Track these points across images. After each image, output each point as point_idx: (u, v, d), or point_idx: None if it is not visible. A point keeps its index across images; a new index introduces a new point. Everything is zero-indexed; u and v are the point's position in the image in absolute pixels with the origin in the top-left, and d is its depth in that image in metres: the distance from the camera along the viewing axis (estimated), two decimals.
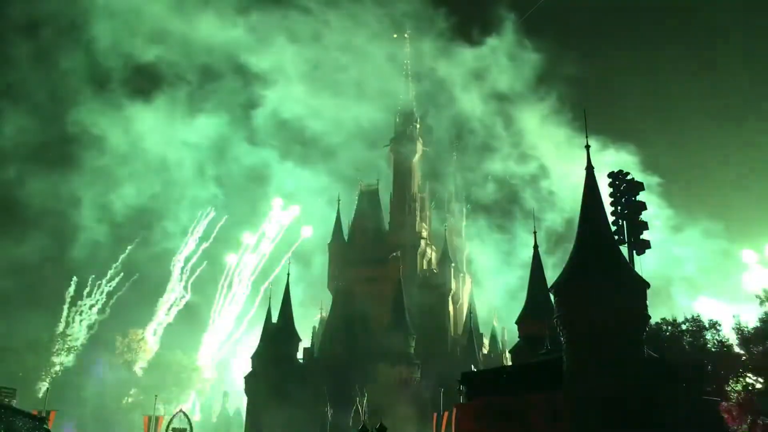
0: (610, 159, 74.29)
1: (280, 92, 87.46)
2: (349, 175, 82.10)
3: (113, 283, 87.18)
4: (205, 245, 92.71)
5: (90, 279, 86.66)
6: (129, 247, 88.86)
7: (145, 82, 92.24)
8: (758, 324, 31.72)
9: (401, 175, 76.55)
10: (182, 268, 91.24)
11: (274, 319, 65.98)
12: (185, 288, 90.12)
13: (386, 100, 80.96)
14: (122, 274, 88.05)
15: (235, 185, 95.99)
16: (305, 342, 66.73)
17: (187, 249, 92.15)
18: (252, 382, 64.43)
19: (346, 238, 74.93)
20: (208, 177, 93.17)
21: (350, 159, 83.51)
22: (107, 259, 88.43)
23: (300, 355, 65.22)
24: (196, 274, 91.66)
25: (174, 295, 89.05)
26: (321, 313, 72.54)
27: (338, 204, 77.86)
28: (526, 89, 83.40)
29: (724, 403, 30.20)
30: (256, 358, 65.50)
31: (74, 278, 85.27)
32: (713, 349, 33.79)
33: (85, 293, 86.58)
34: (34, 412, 39.55)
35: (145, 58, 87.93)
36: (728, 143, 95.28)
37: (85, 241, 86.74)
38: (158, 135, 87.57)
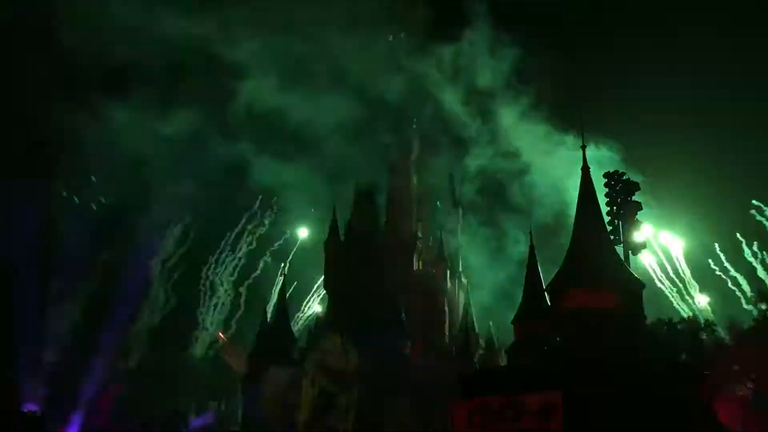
0: (591, 154, 74.79)
1: (255, 84, 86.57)
2: (331, 169, 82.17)
3: (92, 286, 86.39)
4: (182, 248, 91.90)
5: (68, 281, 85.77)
6: (106, 250, 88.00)
7: (116, 80, 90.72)
8: (753, 324, 31.81)
9: (397, 174, 76.37)
10: (161, 270, 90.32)
11: (269, 319, 65.99)
12: (166, 291, 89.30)
13: (367, 93, 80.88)
14: (100, 276, 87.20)
15: (214, 181, 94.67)
16: (302, 342, 66.66)
17: (166, 250, 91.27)
18: (248, 382, 64.44)
19: (342, 237, 74.74)
20: (186, 173, 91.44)
21: (333, 154, 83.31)
22: (84, 260, 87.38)
23: (296, 355, 65.12)
24: (176, 276, 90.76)
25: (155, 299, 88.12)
26: (317, 313, 72.51)
27: (334, 204, 77.47)
28: (505, 84, 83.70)
29: (720, 404, 30.21)
30: (251, 358, 65.44)
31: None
32: (709, 350, 33.84)
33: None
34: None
35: (115, 57, 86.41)
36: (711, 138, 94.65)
37: (60, 243, 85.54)
38: (133, 132, 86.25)
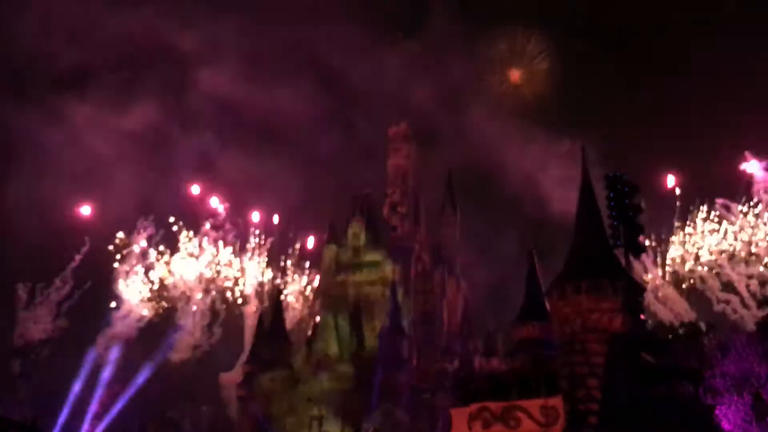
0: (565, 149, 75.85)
1: (215, 72, 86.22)
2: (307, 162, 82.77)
3: (62, 291, 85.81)
4: (148, 248, 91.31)
5: (37, 287, 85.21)
6: (76, 255, 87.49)
7: (72, 78, 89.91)
8: (755, 327, 31.61)
9: (395, 177, 76.20)
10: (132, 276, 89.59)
11: (266, 324, 65.78)
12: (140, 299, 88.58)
13: (335, 85, 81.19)
14: (71, 281, 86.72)
15: (177, 176, 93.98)
16: (298, 346, 66.41)
17: (134, 253, 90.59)
18: (244, 386, 64.15)
19: (340, 241, 74.56)
20: (149, 168, 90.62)
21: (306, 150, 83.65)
22: (52, 265, 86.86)
23: (294, 360, 64.86)
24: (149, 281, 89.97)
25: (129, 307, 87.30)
26: (314, 317, 72.22)
27: (332, 207, 77.35)
28: (477, 80, 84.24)
29: (720, 408, 29.97)
30: (249, 363, 65.18)
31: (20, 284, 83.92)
32: (710, 354, 33.57)
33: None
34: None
35: (69, 56, 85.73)
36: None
37: (26, 247, 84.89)
38: (94, 129, 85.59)
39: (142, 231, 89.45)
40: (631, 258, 37.75)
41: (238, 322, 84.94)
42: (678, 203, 77.86)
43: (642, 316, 31.53)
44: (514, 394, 32.37)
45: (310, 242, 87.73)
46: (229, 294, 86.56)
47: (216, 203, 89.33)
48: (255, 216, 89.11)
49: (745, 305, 70.24)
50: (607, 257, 32.42)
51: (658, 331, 38.03)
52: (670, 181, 78.29)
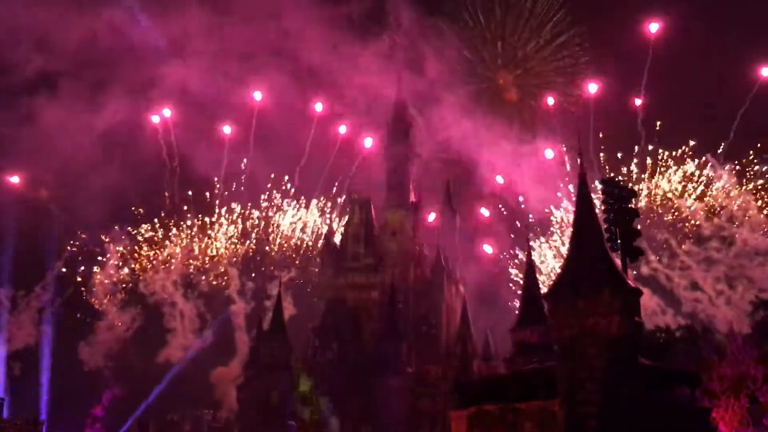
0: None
1: (183, 68, 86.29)
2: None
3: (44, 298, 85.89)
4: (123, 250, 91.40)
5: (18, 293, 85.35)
6: (56, 262, 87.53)
7: (43, 83, 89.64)
8: (751, 330, 31.84)
9: (393, 180, 76.28)
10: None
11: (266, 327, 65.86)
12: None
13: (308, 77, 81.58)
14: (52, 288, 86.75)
15: (150, 174, 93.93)
16: (298, 350, 66.45)
17: (113, 256, 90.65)
18: (244, 391, 64.29)
19: (338, 244, 74.72)
20: (125, 168, 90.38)
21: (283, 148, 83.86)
22: (33, 271, 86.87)
23: (292, 363, 64.93)
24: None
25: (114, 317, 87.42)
26: (313, 321, 72.25)
27: (330, 211, 77.71)
28: (449, 77, 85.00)
29: (717, 411, 30.17)
30: (248, 367, 65.33)
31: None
32: (707, 356, 33.81)
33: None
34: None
35: (36, 62, 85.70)
36: None
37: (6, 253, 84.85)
38: (65, 131, 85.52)
39: (116, 237, 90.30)
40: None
41: (228, 323, 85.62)
42: None
43: (639, 320, 31.67)
44: (512, 398, 32.54)
45: None
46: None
47: None
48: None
49: None
50: (604, 261, 32.60)
51: (655, 334, 38.19)
52: None
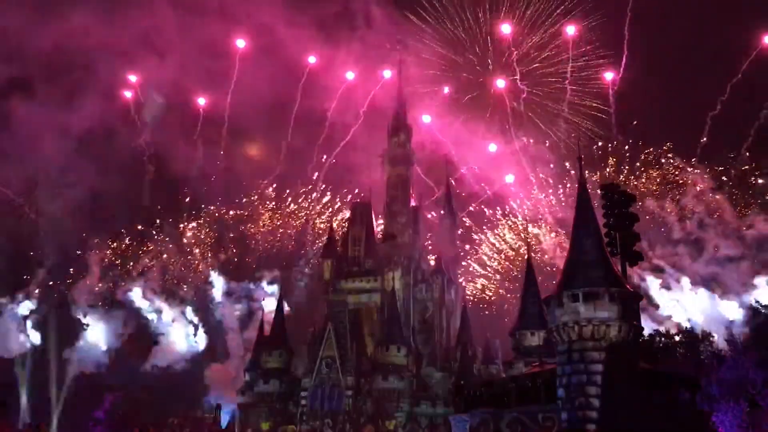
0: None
1: (152, 70, 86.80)
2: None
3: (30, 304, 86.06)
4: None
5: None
6: (40, 270, 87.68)
7: (15, 91, 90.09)
8: (751, 334, 31.90)
9: (394, 185, 76.38)
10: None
11: (267, 331, 66.01)
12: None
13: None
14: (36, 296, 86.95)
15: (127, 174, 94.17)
16: (299, 354, 66.52)
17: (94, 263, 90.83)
18: (246, 394, 64.37)
19: (339, 249, 74.82)
20: (102, 170, 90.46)
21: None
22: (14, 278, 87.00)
23: (293, 367, 65.02)
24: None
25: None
26: (314, 325, 72.32)
27: (332, 215, 77.91)
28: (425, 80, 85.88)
29: (717, 414, 30.25)
30: (249, 371, 65.41)
31: None
32: (706, 361, 33.91)
33: None
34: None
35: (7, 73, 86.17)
36: None
37: None
38: (41, 136, 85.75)
39: (96, 245, 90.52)
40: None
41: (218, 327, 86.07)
42: None
43: (639, 324, 31.77)
44: (512, 402, 32.63)
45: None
46: None
47: None
48: None
49: None
50: (603, 266, 32.70)
51: (654, 338, 38.25)
52: None
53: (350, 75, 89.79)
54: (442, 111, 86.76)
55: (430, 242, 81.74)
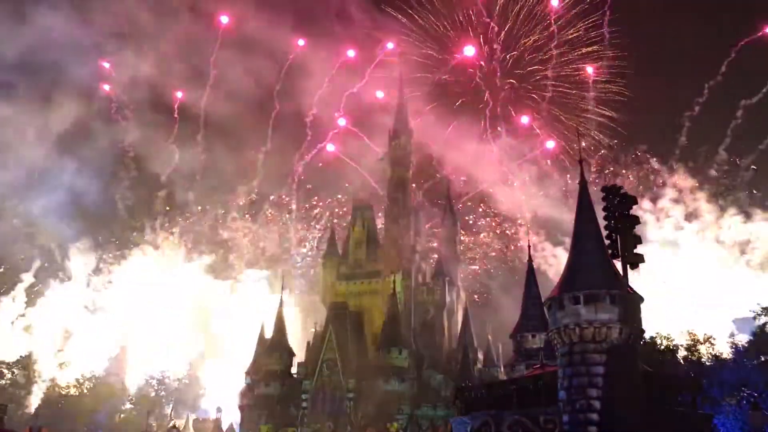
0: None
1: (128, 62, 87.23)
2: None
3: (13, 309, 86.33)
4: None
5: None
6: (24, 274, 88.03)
7: None
8: (752, 338, 31.88)
9: (395, 187, 76.39)
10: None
11: (268, 334, 66.00)
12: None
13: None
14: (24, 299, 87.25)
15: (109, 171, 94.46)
16: (300, 356, 66.57)
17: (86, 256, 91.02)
18: (246, 397, 64.35)
19: (339, 251, 74.85)
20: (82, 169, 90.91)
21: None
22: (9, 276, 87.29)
23: (294, 369, 65.02)
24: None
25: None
26: (315, 327, 72.37)
27: (330, 218, 77.78)
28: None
29: (718, 416, 30.28)
30: (250, 373, 65.42)
31: None
32: (708, 363, 33.89)
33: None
34: (27, 430, 39.12)
35: None
36: None
37: None
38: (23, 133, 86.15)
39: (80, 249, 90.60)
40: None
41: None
42: None
43: (640, 327, 31.70)
44: (514, 405, 32.56)
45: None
46: None
47: None
48: None
49: None
50: (605, 268, 32.65)
51: (656, 341, 38.16)
52: None
53: (351, 53, 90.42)
54: (430, 110, 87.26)
55: (430, 244, 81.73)
